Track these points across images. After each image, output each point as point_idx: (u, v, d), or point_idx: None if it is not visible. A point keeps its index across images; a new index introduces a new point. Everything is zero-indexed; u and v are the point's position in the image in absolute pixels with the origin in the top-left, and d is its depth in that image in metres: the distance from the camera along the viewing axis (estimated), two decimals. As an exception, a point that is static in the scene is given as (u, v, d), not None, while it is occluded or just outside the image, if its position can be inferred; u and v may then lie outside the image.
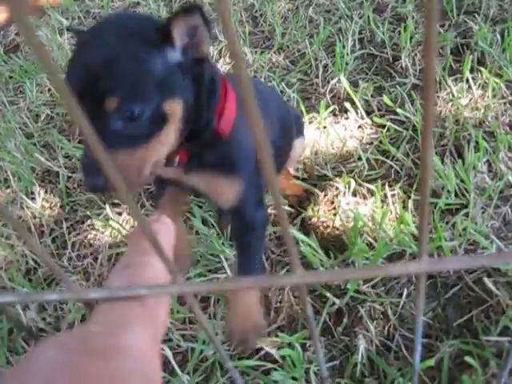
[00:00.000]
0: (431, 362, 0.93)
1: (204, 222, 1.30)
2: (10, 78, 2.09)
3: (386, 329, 1.09)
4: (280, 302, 1.17)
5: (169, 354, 1.06)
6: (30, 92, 1.92)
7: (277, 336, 1.09)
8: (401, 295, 1.13)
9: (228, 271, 1.20)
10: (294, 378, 1.00)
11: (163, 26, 0.71)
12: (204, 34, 0.72)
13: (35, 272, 1.36)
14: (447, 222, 1.21)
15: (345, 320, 1.11)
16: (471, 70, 1.53)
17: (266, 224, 1.02)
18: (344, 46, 1.71)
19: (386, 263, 1.17)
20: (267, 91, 1.20)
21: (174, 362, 1.06)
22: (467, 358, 0.97)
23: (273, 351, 1.05)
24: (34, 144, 1.70)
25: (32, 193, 1.54)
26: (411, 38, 1.68)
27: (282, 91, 1.66)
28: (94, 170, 0.65)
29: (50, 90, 1.92)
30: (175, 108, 0.72)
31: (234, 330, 0.99)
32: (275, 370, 1.03)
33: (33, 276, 1.35)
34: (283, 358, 1.05)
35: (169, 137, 0.73)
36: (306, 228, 1.28)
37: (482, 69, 1.52)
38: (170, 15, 0.71)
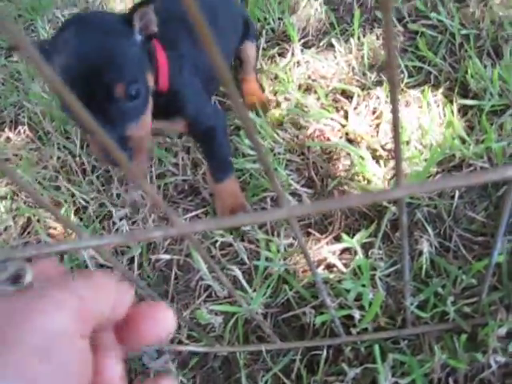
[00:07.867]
0: (500, 258, 0.97)
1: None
2: (19, 16, 2.01)
3: (442, 230, 1.12)
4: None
5: (238, 272, 1.10)
6: (43, 29, 1.87)
7: (337, 240, 1.12)
8: (453, 197, 1.15)
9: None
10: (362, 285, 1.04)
11: (128, 17, 0.86)
12: (152, 17, 0.89)
13: (84, 211, 1.36)
14: (492, 124, 1.21)
15: (402, 225, 1.13)
16: (502, -35, 1.48)
17: (224, 125, 1.15)
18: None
19: (436, 167, 1.19)
20: None
21: (242, 280, 1.10)
22: (526, 251, 1.00)
23: (336, 261, 1.09)
24: (58, 83, 1.66)
25: (66, 131, 1.53)
26: None
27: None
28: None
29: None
30: (151, 79, 0.90)
31: (225, 211, 1.16)
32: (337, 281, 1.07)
33: (83, 215, 1.35)
34: (345, 266, 1.09)
35: (152, 104, 0.91)
36: (351, 140, 1.29)
37: (514, -37, 1.47)
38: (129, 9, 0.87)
